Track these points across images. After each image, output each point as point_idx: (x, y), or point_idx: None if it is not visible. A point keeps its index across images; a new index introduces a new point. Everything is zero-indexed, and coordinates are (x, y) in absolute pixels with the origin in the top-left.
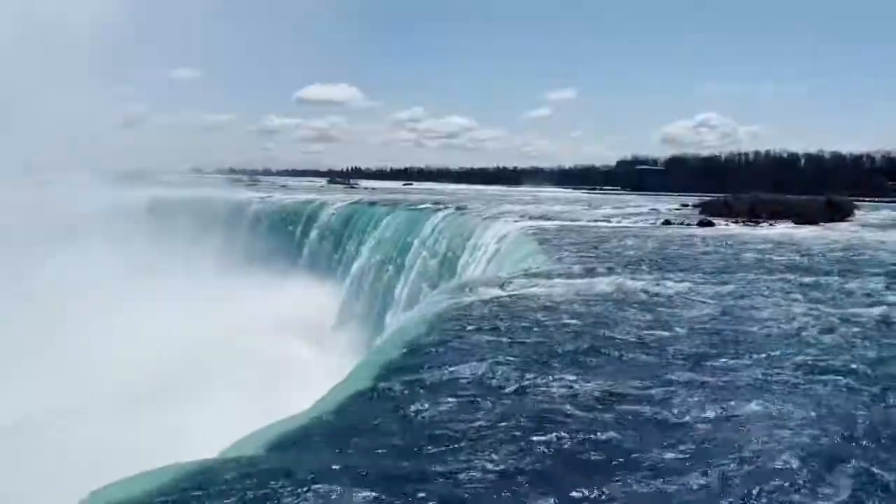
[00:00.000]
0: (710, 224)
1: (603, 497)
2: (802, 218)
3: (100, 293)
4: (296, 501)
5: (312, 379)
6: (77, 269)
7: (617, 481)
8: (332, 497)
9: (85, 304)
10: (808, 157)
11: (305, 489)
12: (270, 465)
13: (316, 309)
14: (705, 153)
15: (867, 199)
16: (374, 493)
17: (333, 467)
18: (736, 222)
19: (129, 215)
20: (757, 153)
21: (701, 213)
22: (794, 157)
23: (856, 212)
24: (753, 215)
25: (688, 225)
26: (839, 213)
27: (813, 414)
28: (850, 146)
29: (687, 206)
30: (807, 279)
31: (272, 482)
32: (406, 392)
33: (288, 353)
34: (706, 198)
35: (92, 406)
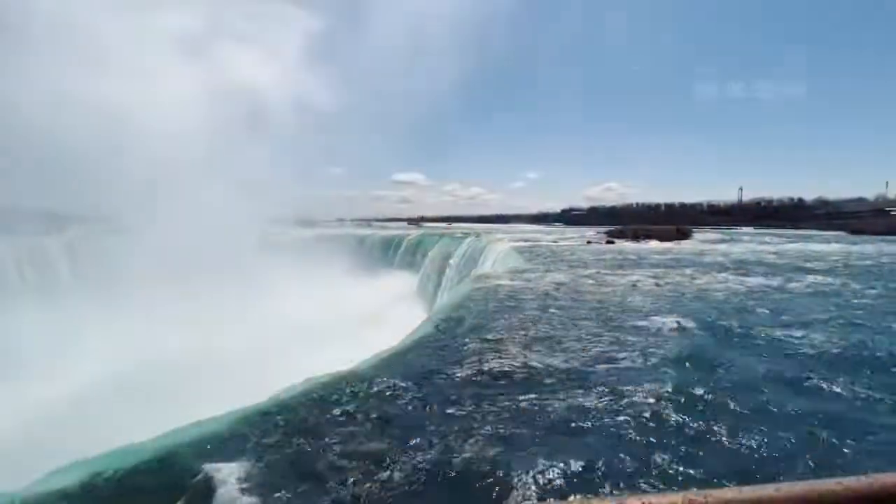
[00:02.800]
0: (613, 242)
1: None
2: (663, 238)
3: (287, 282)
4: (400, 402)
5: (405, 321)
6: (277, 269)
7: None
8: (410, 396)
9: (277, 287)
10: (666, 205)
11: (401, 392)
12: (383, 375)
13: (404, 287)
14: (609, 203)
15: (699, 227)
16: (433, 389)
17: (416, 374)
18: (627, 241)
19: (306, 243)
20: (638, 203)
21: (607, 236)
22: (658, 205)
23: (694, 235)
24: (636, 237)
25: (600, 243)
26: (684, 235)
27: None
28: (688, 198)
29: (599, 233)
30: (660, 268)
31: (384, 388)
32: (453, 330)
33: (389, 310)
34: (610, 228)
35: (272, 344)
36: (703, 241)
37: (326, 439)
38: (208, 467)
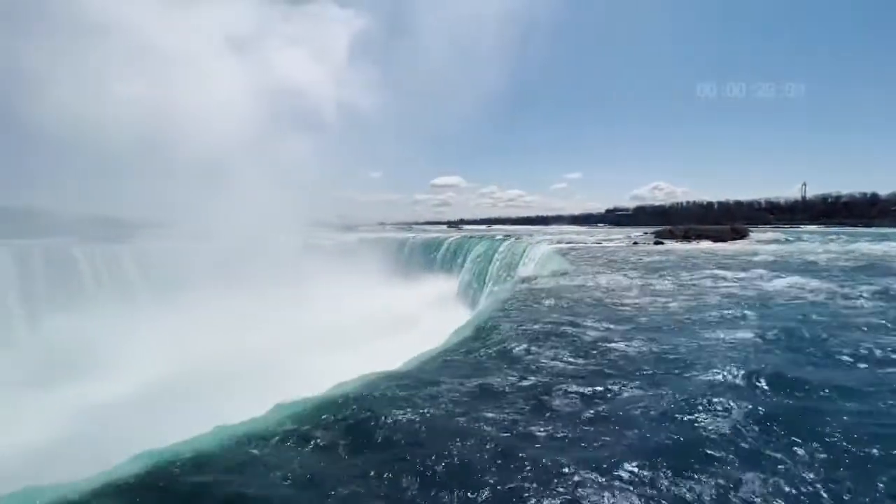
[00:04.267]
0: (661, 243)
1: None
2: (716, 238)
3: (330, 285)
4: (438, 403)
5: (445, 324)
6: (320, 273)
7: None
8: (459, 390)
9: (320, 291)
10: (720, 203)
11: (440, 394)
12: (424, 376)
13: (445, 290)
14: (657, 203)
15: (757, 226)
16: (483, 380)
17: (459, 371)
18: (677, 242)
19: (348, 247)
20: (687, 202)
21: (655, 237)
22: (710, 204)
23: (750, 234)
24: (686, 237)
25: (647, 244)
26: (740, 235)
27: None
28: (744, 196)
29: (646, 233)
30: (714, 269)
31: (424, 389)
32: (495, 331)
33: (430, 313)
34: (658, 228)
35: (314, 346)
36: (762, 240)
37: (370, 438)
38: (257, 462)
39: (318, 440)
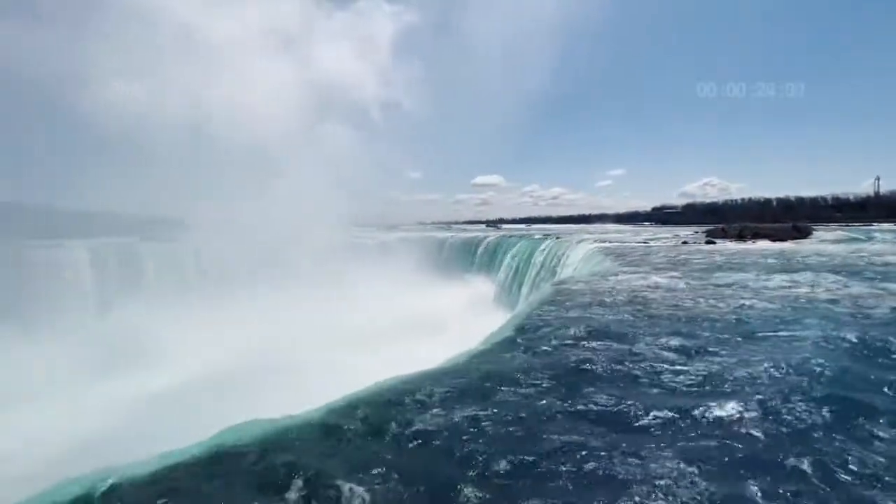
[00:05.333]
0: (713, 242)
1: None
2: (776, 237)
3: (370, 284)
4: (488, 393)
5: (481, 324)
6: (361, 271)
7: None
8: (496, 391)
9: (360, 289)
10: (779, 199)
11: (480, 386)
12: (462, 375)
13: (483, 290)
14: (708, 200)
15: (822, 224)
16: (530, 379)
17: (497, 373)
18: (730, 241)
19: (390, 245)
20: (743, 199)
21: (706, 236)
22: (768, 201)
23: (814, 233)
24: (741, 237)
25: (698, 243)
26: (802, 233)
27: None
28: (806, 192)
29: (696, 232)
30: (776, 272)
31: (462, 387)
32: (534, 333)
33: (468, 313)
34: (709, 227)
35: (352, 343)
36: (827, 240)
37: (404, 435)
38: (305, 454)
39: (355, 435)
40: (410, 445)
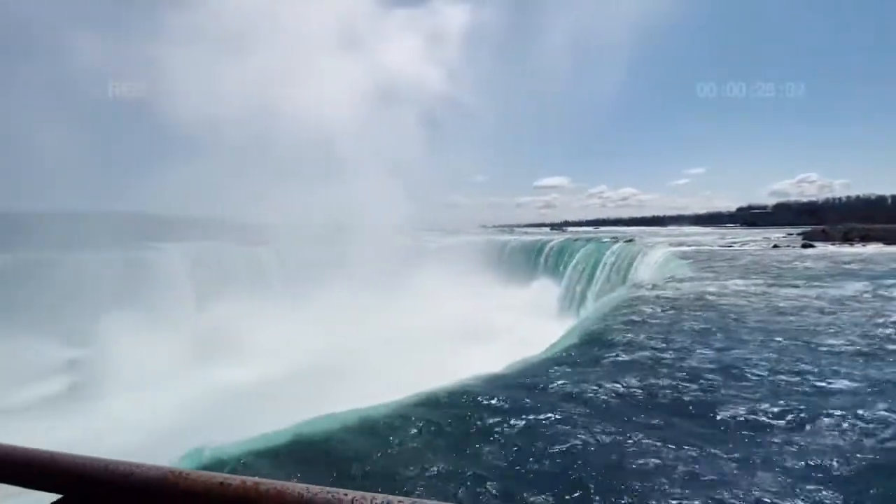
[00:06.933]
0: (812, 246)
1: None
2: (890, 240)
3: (434, 287)
4: (543, 401)
5: (545, 329)
6: (426, 275)
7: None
8: (563, 397)
9: (424, 291)
10: (894, 197)
11: (547, 392)
12: (529, 380)
13: (546, 295)
14: (804, 199)
15: None
16: (588, 384)
17: (564, 379)
18: (833, 244)
19: (454, 249)
20: (849, 197)
21: (803, 239)
22: (882, 199)
23: None
24: (847, 239)
25: (793, 247)
26: None
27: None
28: None
29: (791, 234)
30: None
31: (529, 391)
32: (602, 341)
33: (530, 317)
34: (806, 229)
35: (419, 345)
36: None
37: (469, 434)
38: (376, 445)
39: (424, 430)
40: (474, 442)
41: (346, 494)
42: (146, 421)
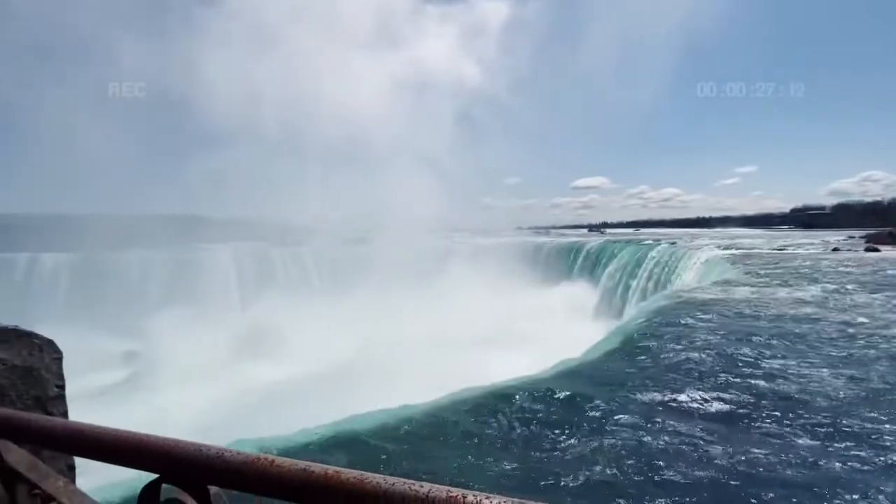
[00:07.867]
0: (876, 250)
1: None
2: None
3: (466, 289)
4: (585, 403)
5: (583, 333)
6: (459, 277)
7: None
8: (605, 401)
9: (457, 293)
10: None
11: (587, 395)
12: (567, 383)
13: (584, 298)
14: (868, 199)
15: None
16: (626, 394)
17: (603, 378)
18: None
19: (486, 250)
20: None
21: (867, 242)
22: None
23: None
24: None
25: (855, 251)
26: None
27: None
28: None
29: (853, 237)
30: None
31: (567, 395)
32: (643, 346)
33: (567, 320)
34: (870, 231)
35: (443, 343)
36: None
37: (511, 432)
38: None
39: (463, 428)
40: (512, 440)
41: (421, 486)
42: (189, 415)
